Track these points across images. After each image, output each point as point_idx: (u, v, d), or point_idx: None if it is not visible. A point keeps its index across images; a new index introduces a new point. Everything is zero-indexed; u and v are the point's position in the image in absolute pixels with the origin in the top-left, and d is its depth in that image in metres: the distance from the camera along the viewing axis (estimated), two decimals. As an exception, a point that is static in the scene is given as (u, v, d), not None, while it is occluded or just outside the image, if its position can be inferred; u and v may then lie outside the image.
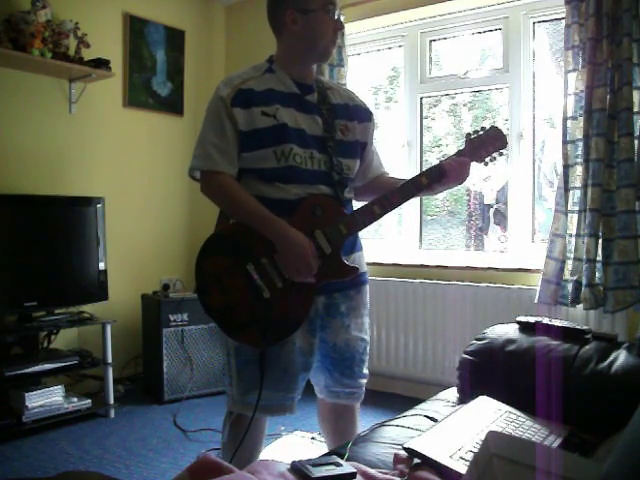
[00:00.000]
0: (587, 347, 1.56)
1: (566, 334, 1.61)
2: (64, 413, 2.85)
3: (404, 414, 1.61)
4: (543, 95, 3.15)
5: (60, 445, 2.64)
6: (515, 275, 2.98)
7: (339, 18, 1.61)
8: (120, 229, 3.48)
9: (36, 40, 2.89)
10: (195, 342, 3.36)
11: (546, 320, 1.68)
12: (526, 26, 3.13)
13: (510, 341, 1.64)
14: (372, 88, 3.83)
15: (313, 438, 2.65)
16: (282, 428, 2.75)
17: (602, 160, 2.55)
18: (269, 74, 1.62)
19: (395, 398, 3.17)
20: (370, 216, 1.57)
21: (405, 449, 1.24)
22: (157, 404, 3.23)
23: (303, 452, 2.45)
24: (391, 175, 1.83)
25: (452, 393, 1.78)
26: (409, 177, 1.64)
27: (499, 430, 1.30)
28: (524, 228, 3.14)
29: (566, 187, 2.69)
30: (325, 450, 1.73)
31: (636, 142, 2.50)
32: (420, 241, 3.52)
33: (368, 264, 1.82)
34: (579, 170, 2.65)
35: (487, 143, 1.67)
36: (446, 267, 3.20)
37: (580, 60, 2.64)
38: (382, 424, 1.54)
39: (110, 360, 3.07)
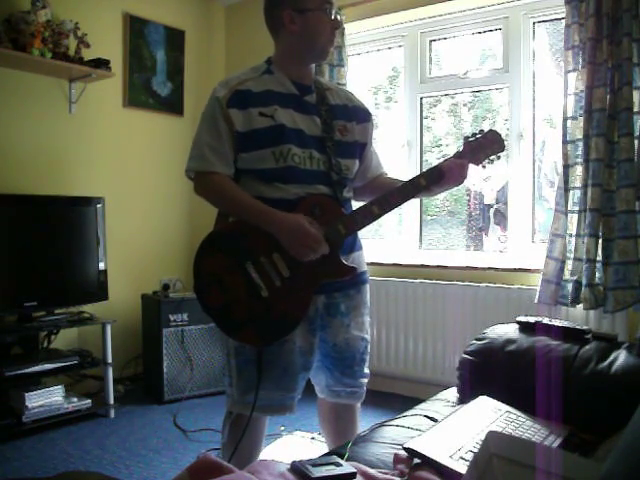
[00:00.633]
0: (587, 347, 1.56)
1: (566, 334, 1.61)
2: (64, 413, 2.85)
3: (404, 414, 1.61)
4: (543, 95, 3.15)
5: (60, 445, 2.64)
6: (515, 275, 2.98)
7: (337, 17, 1.61)
8: (120, 229, 3.48)
9: (36, 40, 2.89)
10: (195, 342, 3.36)
11: (546, 320, 1.68)
12: (526, 26, 3.13)
13: (510, 341, 1.64)
14: (372, 88, 3.83)
15: (313, 438, 2.65)
16: (282, 428, 2.75)
17: (602, 160, 2.55)
18: (267, 75, 1.62)
19: (395, 398, 3.17)
20: (369, 216, 1.57)
21: (405, 449, 1.24)
22: (157, 404, 3.23)
23: (303, 452, 2.45)
24: (390, 175, 1.84)
25: (452, 393, 1.78)
26: (408, 178, 1.64)
27: (499, 430, 1.30)
28: (524, 228, 3.13)
29: (566, 187, 2.69)
30: (325, 450, 1.73)
31: (636, 142, 2.51)
32: (420, 241, 3.52)
33: (368, 264, 1.82)
34: (579, 170, 2.65)
35: (485, 146, 1.67)
36: (446, 267, 3.20)
37: (580, 60, 2.64)
38: (382, 424, 1.54)
39: (110, 360, 3.06)
